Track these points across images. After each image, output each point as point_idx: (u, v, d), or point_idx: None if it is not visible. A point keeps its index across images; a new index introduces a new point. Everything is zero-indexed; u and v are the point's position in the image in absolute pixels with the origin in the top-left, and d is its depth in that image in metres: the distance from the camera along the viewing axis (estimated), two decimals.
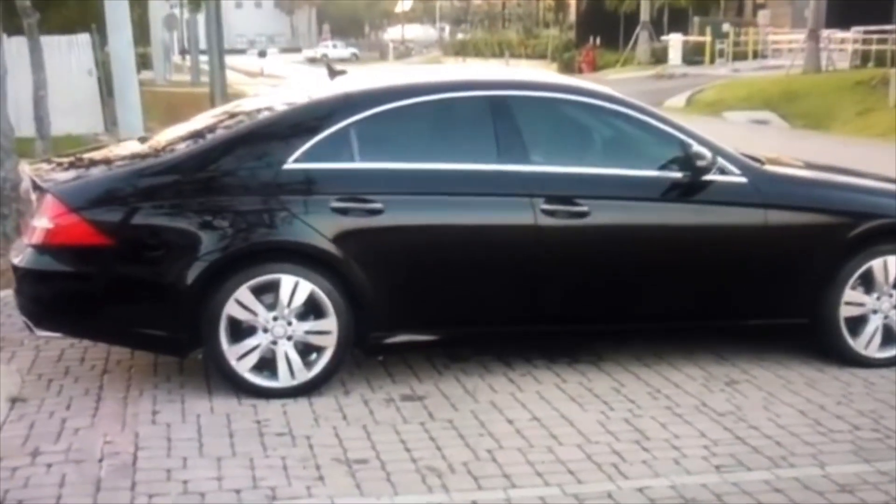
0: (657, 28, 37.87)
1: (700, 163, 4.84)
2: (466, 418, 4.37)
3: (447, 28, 78.42)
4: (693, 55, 34.32)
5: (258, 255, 4.53)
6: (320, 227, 4.52)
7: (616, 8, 39.15)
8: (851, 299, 5.03)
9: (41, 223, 4.52)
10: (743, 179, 4.94)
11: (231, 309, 4.47)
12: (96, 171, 4.85)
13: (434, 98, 4.93)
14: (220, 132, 4.90)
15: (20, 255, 4.66)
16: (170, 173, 4.60)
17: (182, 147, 4.79)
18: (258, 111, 5.11)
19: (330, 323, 4.55)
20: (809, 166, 5.82)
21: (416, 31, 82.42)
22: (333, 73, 5.49)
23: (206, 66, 26.37)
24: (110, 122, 14.89)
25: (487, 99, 4.88)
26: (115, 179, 4.67)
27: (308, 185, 4.57)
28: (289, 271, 4.51)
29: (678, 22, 37.90)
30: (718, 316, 5.09)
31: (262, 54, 64.58)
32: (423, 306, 4.75)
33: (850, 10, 27.54)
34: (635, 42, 37.18)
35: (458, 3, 75.45)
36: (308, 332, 4.56)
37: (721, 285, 4.98)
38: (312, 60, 63.09)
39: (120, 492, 3.64)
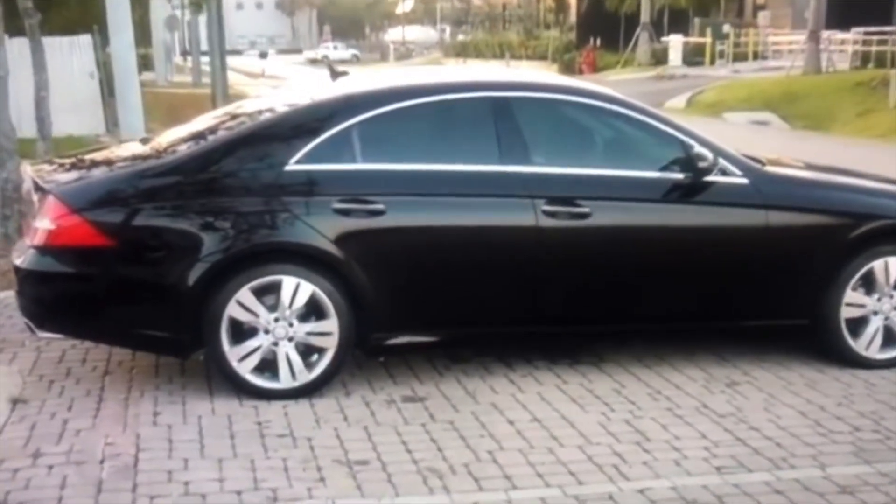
0: (657, 29, 37.88)
1: (701, 164, 4.84)
2: (467, 419, 4.38)
3: (448, 29, 78.43)
4: (693, 56, 34.33)
5: (260, 256, 4.54)
6: (322, 229, 4.52)
7: (616, 9, 39.16)
8: (852, 300, 5.03)
9: (43, 224, 4.52)
10: (744, 180, 4.94)
11: (232, 310, 4.48)
12: (98, 173, 4.86)
13: (435, 99, 4.93)
14: (221, 133, 4.91)
15: (22, 257, 4.66)
16: (171, 174, 4.61)
17: (184, 148, 4.80)
18: (260, 112, 5.11)
19: (331, 324, 4.56)
20: (810, 167, 5.83)
21: (417, 33, 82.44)
22: (335, 75, 5.50)
23: (207, 68, 26.37)
24: (111, 123, 14.90)
25: (489, 100, 4.89)
26: (116, 180, 4.68)
27: (310, 186, 4.58)
28: (290, 272, 4.52)
29: (678, 23, 37.91)
30: (719, 317, 5.09)
31: (264, 55, 64.62)
32: (424, 307, 4.75)
33: (850, 12, 27.56)
34: (635, 43, 37.19)
35: (459, 5, 75.48)
36: (309, 334, 4.56)
37: (722, 286, 4.99)
38: (313, 61, 63.11)
39: (121, 493, 3.65)
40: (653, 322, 5.06)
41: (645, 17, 36.89)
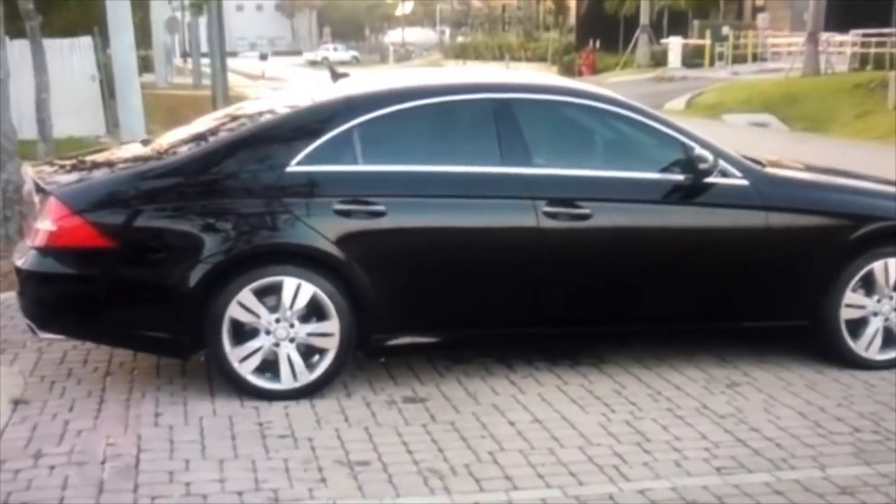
0: (657, 31, 37.93)
1: (702, 165, 4.85)
2: (468, 420, 4.39)
3: (447, 31, 78.49)
4: (692, 58, 34.35)
5: (261, 257, 4.54)
6: (323, 230, 4.53)
7: (616, 11, 39.21)
8: (852, 301, 5.04)
9: (44, 225, 4.53)
10: (744, 182, 4.95)
11: (234, 311, 4.49)
12: (99, 174, 4.86)
13: (436, 101, 4.94)
14: (223, 135, 4.92)
15: (23, 258, 4.67)
16: (172, 176, 4.61)
17: (185, 150, 4.80)
18: (261, 114, 5.13)
19: (332, 325, 4.57)
20: (810, 169, 5.84)
21: (417, 35, 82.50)
22: (336, 76, 5.51)
23: (207, 69, 26.39)
24: (112, 124, 14.90)
25: (490, 102, 4.90)
26: (117, 182, 4.69)
27: (311, 187, 4.58)
28: (291, 273, 4.53)
29: (678, 25, 37.94)
30: (719, 318, 5.10)
31: (264, 57, 64.63)
32: (425, 308, 4.76)
33: (848, 13, 27.59)
34: (635, 45, 37.21)
35: (459, 7, 75.55)
36: (310, 335, 4.57)
37: (722, 287, 5.00)
38: (313, 63, 63.15)
39: (122, 494, 3.65)
40: (653, 323, 5.07)
41: (644, 19, 36.91)
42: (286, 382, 4.57)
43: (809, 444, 4.19)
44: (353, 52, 73.24)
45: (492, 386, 4.81)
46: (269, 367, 4.57)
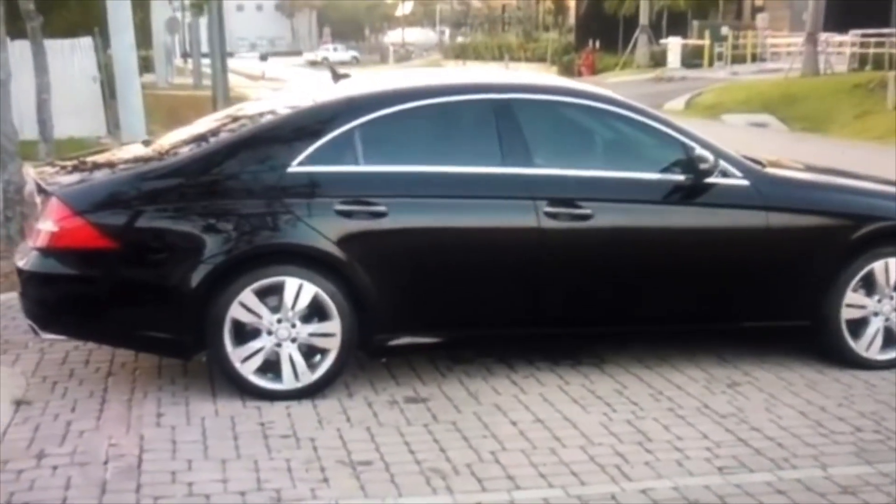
0: (656, 31, 37.94)
1: (702, 165, 4.86)
2: (470, 420, 4.39)
3: (447, 31, 78.51)
4: (692, 58, 34.37)
5: (262, 257, 4.55)
6: (324, 230, 4.54)
7: (615, 11, 39.22)
8: (852, 301, 5.05)
9: (46, 226, 4.54)
10: (745, 182, 4.96)
11: (235, 311, 4.49)
12: (100, 175, 4.87)
13: (437, 101, 4.94)
14: (224, 135, 4.92)
15: (25, 258, 4.67)
16: (174, 176, 4.62)
17: (186, 150, 4.81)
18: (262, 114, 5.13)
19: (334, 325, 4.57)
20: (810, 169, 5.85)
21: (417, 35, 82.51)
22: (337, 77, 5.51)
23: (207, 70, 26.39)
24: (112, 125, 14.89)
25: (491, 102, 4.90)
26: (119, 183, 4.69)
27: (312, 188, 4.59)
28: (293, 274, 4.53)
29: (677, 25, 37.95)
30: (720, 318, 5.10)
31: (264, 57, 64.63)
32: (426, 309, 4.77)
33: (847, 14, 27.60)
34: (634, 45, 37.23)
35: (458, 7, 75.57)
36: (312, 335, 4.58)
37: (723, 288, 5.00)
38: (313, 63, 63.13)
39: (125, 494, 3.66)
40: (654, 323, 5.07)
41: (644, 19, 36.94)
42: (288, 383, 4.58)
43: (811, 443, 4.19)
44: (353, 53, 73.22)
45: (493, 386, 4.82)
46: (270, 367, 4.57)
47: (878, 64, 25.05)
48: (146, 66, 27.67)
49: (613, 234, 4.85)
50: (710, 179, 4.89)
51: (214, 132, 5.03)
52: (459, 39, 67.78)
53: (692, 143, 4.94)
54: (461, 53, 55.10)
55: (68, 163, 5.27)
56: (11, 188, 7.42)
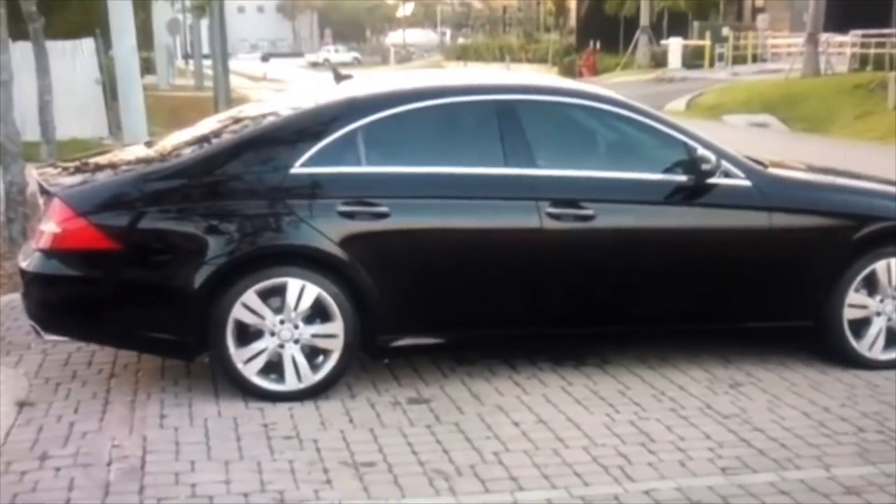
0: (657, 32, 37.94)
1: (704, 166, 4.86)
2: (472, 421, 4.39)
3: (448, 32, 78.53)
4: (693, 59, 34.37)
5: (265, 258, 4.55)
6: (327, 231, 4.54)
7: (616, 12, 39.23)
8: (855, 302, 5.05)
9: (49, 227, 4.54)
10: (747, 182, 4.96)
11: (238, 313, 4.49)
12: (103, 176, 4.87)
13: (439, 102, 4.94)
14: (226, 137, 4.93)
15: (28, 259, 4.68)
16: (177, 177, 4.62)
17: (189, 152, 4.81)
18: (264, 116, 5.13)
19: (336, 326, 4.57)
20: (812, 169, 5.85)
21: (418, 36, 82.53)
22: (339, 78, 5.51)
23: (209, 71, 26.40)
24: (114, 126, 14.92)
25: (493, 103, 4.90)
26: (122, 184, 4.69)
27: (315, 189, 4.59)
28: (295, 275, 4.53)
29: (678, 26, 37.95)
30: (722, 318, 5.10)
31: (266, 59, 64.64)
32: (428, 309, 4.77)
33: (848, 14, 27.59)
34: (635, 46, 37.23)
35: (460, 8, 75.59)
36: (315, 336, 4.58)
37: (725, 288, 5.00)
38: (314, 65, 63.16)
39: (128, 495, 3.66)
40: (656, 323, 5.07)
41: (644, 20, 36.93)
42: (291, 384, 4.58)
43: (814, 443, 4.19)
44: (355, 54, 73.24)
45: (496, 387, 4.82)
46: (273, 368, 4.57)
47: (879, 64, 25.03)
48: (147, 67, 27.68)
49: (616, 234, 4.85)
50: (713, 180, 4.89)
51: (217, 133, 5.03)
52: (460, 40, 67.77)
53: (694, 144, 4.94)
54: (462, 54, 55.09)
55: (71, 164, 5.27)
56: (14, 189, 7.42)
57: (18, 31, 9.40)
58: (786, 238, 4.98)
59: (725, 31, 35.35)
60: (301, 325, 4.56)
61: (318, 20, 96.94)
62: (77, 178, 4.88)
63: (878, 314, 5.09)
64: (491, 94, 5.02)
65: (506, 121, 4.83)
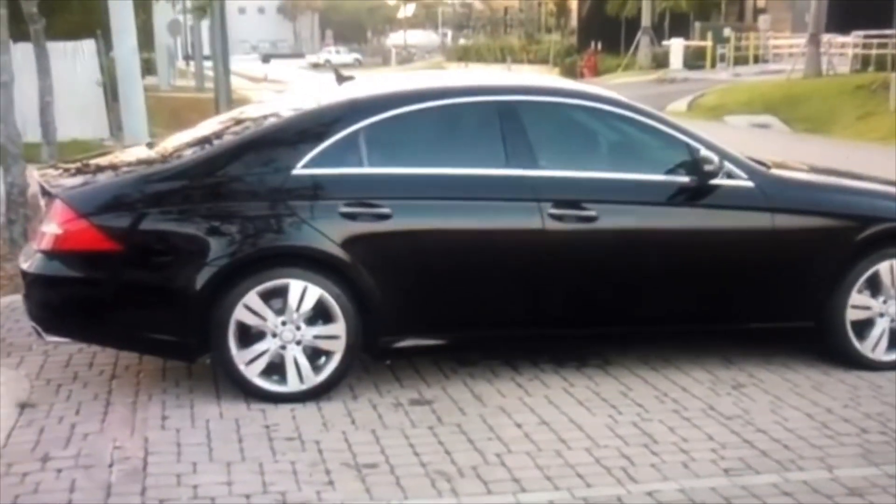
0: (658, 33, 37.91)
1: (707, 167, 4.85)
2: (475, 422, 4.38)
3: (449, 33, 78.52)
4: (694, 60, 34.35)
5: (267, 260, 4.55)
6: (329, 232, 4.53)
7: (617, 13, 39.20)
8: (858, 303, 5.04)
9: (50, 228, 4.54)
10: (750, 183, 4.95)
11: (240, 314, 4.49)
12: (105, 177, 4.87)
13: (441, 103, 4.94)
14: (228, 138, 4.92)
15: (29, 261, 4.67)
16: (178, 179, 4.62)
17: (190, 153, 4.81)
18: (266, 117, 5.12)
19: (338, 327, 4.57)
20: (815, 170, 5.84)
21: (419, 37, 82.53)
22: (341, 79, 5.51)
23: (209, 72, 26.40)
24: (115, 127, 14.92)
25: (495, 104, 4.90)
26: (123, 185, 4.69)
27: (317, 190, 4.59)
28: (297, 276, 4.53)
29: (679, 27, 37.95)
30: (725, 319, 5.10)
31: (266, 60, 64.62)
32: (430, 311, 4.76)
33: (850, 15, 27.57)
34: (636, 47, 37.22)
35: (461, 9, 75.60)
36: (317, 337, 4.57)
37: (728, 289, 4.99)
38: (315, 66, 63.17)
39: (130, 497, 3.66)
40: (659, 324, 5.06)
41: (646, 20, 36.92)
42: (292, 385, 4.57)
43: (817, 445, 4.18)
44: (356, 55, 73.25)
45: (498, 388, 4.81)
46: (275, 369, 4.57)
47: (881, 65, 25.01)
48: (148, 68, 27.68)
49: (618, 235, 4.84)
50: (715, 181, 4.89)
51: (218, 135, 5.03)
52: (462, 41, 67.75)
53: (697, 145, 4.94)
54: (463, 55, 55.07)
55: (72, 165, 5.27)
56: (15, 190, 7.41)
57: (19, 32, 9.40)
58: (789, 239, 4.97)
59: (727, 31, 35.33)
60: (303, 326, 4.55)
61: (319, 21, 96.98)
62: (78, 180, 4.87)
63: (881, 315, 5.08)
64: (493, 95, 5.01)
65: (508, 122, 4.83)
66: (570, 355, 5.19)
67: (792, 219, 4.98)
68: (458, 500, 3.67)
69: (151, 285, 4.57)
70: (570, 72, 36.91)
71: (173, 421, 4.38)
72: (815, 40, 25.58)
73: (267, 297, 4.51)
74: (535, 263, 4.75)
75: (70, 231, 4.47)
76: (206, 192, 4.57)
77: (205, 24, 29.11)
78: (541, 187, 4.75)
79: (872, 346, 5.08)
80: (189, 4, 35.50)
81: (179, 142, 5.07)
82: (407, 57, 71.25)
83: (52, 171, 5.18)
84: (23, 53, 9.81)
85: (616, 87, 22.68)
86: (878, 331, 5.08)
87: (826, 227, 5.06)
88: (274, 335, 4.53)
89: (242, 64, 53.80)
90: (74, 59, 15.21)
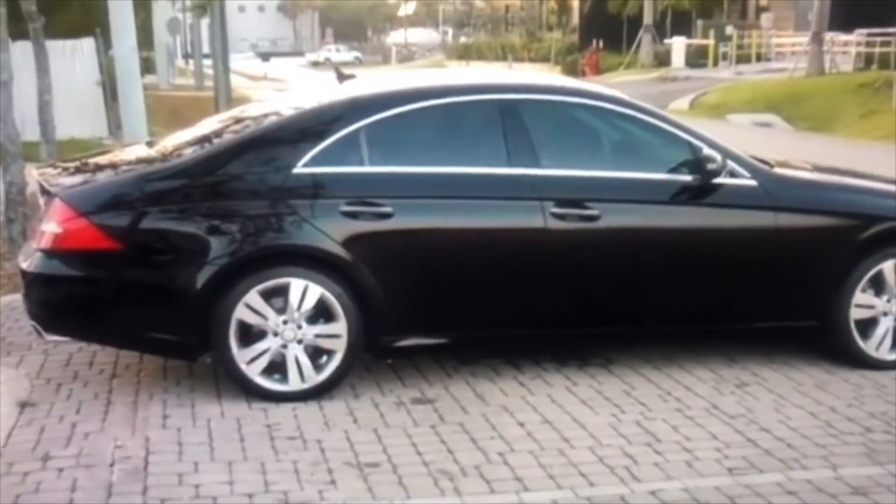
0: (660, 31, 37.89)
1: (710, 166, 4.83)
2: (477, 421, 4.37)
3: (450, 31, 78.48)
4: (696, 58, 34.32)
5: (268, 258, 4.53)
6: (330, 231, 4.51)
7: (619, 11, 39.17)
8: (862, 302, 5.02)
9: (50, 227, 4.52)
10: (753, 182, 4.93)
11: (241, 313, 4.47)
12: (104, 176, 4.85)
13: (443, 102, 4.92)
14: (228, 136, 4.90)
15: (29, 260, 4.66)
16: (178, 177, 4.60)
17: (190, 151, 4.79)
18: (266, 115, 5.10)
19: (340, 326, 4.55)
20: (818, 169, 5.82)
21: (419, 35, 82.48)
22: (342, 77, 5.49)
23: (209, 71, 26.38)
24: (114, 126, 14.90)
25: (497, 103, 4.88)
26: (123, 184, 4.67)
27: (317, 189, 4.57)
28: (298, 275, 4.51)
29: (681, 25, 37.92)
30: (728, 318, 5.08)
31: (266, 58, 64.62)
32: (432, 310, 4.74)
33: (853, 13, 27.54)
34: (638, 45, 37.19)
35: (461, 7, 75.56)
36: (318, 336, 4.55)
37: (731, 288, 4.97)
38: (315, 64, 63.13)
39: (132, 496, 3.64)
40: (661, 324, 5.04)
41: (648, 19, 36.89)
42: (294, 384, 4.56)
43: (820, 444, 4.17)
44: (356, 53, 73.19)
45: (500, 387, 4.79)
46: (276, 368, 4.55)
47: (884, 63, 24.98)
48: (148, 67, 27.63)
49: (621, 234, 4.82)
50: (718, 180, 4.87)
51: (219, 133, 5.01)
52: (462, 40, 67.71)
53: (700, 144, 4.92)
54: (464, 54, 55.04)
55: (72, 164, 5.25)
56: (14, 189, 7.40)
57: (18, 30, 9.37)
58: (792, 238, 4.95)
59: (729, 29, 35.31)
60: (304, 325, 4.53)
61: (319, 19, 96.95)
62: (78, 179, 4.86)
63: (885, 314, 5.06)
64: (494, 93, 4.99)
65: (509, 120, 4.81)
66: (572, 354, 5.17)
67: (795, 218, 4.96)
68: (461, 500, 3.65)
69: (152, 284, 4.56)
70: (571, 70, 36.88)
71: (174, 420, 4.36)
72: (817, 38, 25.55)
73: (268, 295, 4.49)
74: (538, 262, 4.73)
75: (70, 230, 4.45)
76: (206, 191, 4.55)
77: (204, 23, 29.06)
78: (543, 186, 4.73)
79: (876, 345, 5.06)
80: (188, 3, 35.45)
81: (179, 140, 5.05)
82: (407, 55, 71.22)
83: (51, 170, 5.16)
84: (22, 52, 9.79)
85: (618, 85, 22.65)
86: (881, 329, 5.06)
87: (829, 226, 5.04)
88: (275, 334, 4.52)
89: (241, 62, 53.79)
90: (73, 58, 15.19)
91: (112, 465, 3.89)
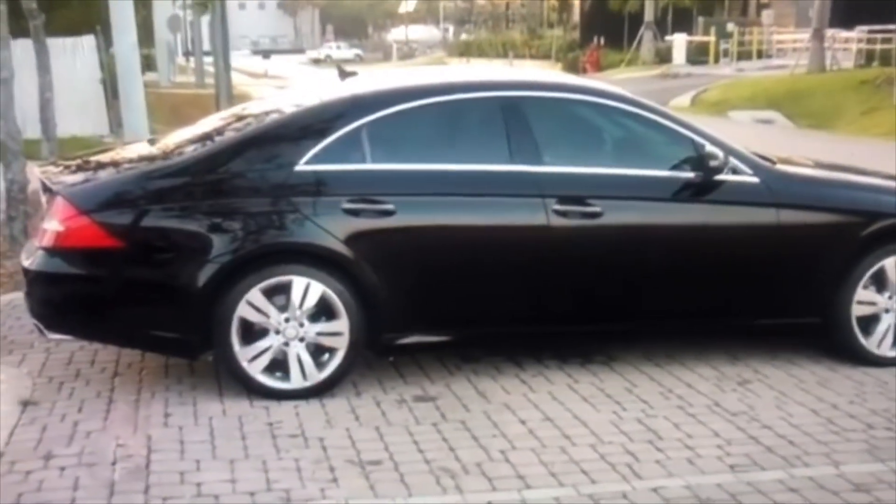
0: (661, 28, 37.86)
1: (712, 163, 4.83)
2: (479, 419, 4.37)
3: (451, 28, 78.36)
4: (697, 55, 34.31)
5: (269, 256, 4.53)
6: (332, 229, 4.51)
7: (620, 8, 39.13)
8: (863, 298, 5.01)
9: (51, 225, 4.52)
10: (755, 179, 4.93)
11: (243, 311, 4.47)
12: (106, 174, 4.85)
13: (445, 99, 4.91)
14: (230, 134, 4.90)
15: (30, 258, 4.66)
16: (180, 175, 4.60)
17: (192, 149, 4.78)
18: (268, 113, 5.10)
19: (342, 324, 4.55)
20: (820, 166, 5.81)
21: (420, 32, 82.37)
22: (344, 75, 5.48)
23: (210, 68, 26.36)
24: (115, 123, 14.90)
25: (499, 100, 4.87)
26: (125, 182, 4.67)
27: (319, 186, 4.56)
28: (300, 273, 4.51)
29: (682, 22, 37.87)
30: (730, 315, 5.07)
31: (267, 55, 64.55)
32: (434, 307, 4.74)
33: (854, 10, 27.52)
34: (639, 42, 37.17)
35: (462, 4, 75.42)
36: (320, 334, 4.55)
37: (733, 285, 4.96)
38: (316, 61, 63.11)
39: (134, 495, 3.64)
40: (664, 321, 5.04)
41: (648, 15, 36.87)
42: (296, 382, 4.56)
43: (822, 441, 4.17)
44: (357, 50, 73.18)
45: (502, 384, 4.79)
46: (278, 366, 4.55)
47: (885, 60, 24.97)
48: (148, 64, 27.59)
49: (623, 231, 4.82)
50: (720, 176, 4.86)
51: (220, 131, 5.00)
52: (463, 36, 67.58)
53: (702, 140, 4.91)
54: (465, 51, 54.96)
55: (73, 162, 5.25)
56: (15, 187, 7.40)
57: (19, 28, 9.37)
58: (794, 234, 4.94)
59: (730, 26, 35.28)
60: (306, 322, 4.53)
61: (320, 16, 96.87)
62: (80, 176, 4.85)
63: (887, 311, 5.06)
64: (496, 90, 4.99)
65: (511, 117, 4.80)
66: (574, 351, 5.17)
67: (797, 214, 4.95)
68: (463, 497, 3.65)
69: (154, 282, 4.56)
70: (572, 67, 36.82)
71: (176, 418, 4.36)
72: (818, 35, 25.53)
73: (270, 293, 4.49)
74: (540, 260, 4.73)
75: (71, 228, 4.45)
76: (208, 189, 4.55)
77: (205, 20, 28.98)
78: (545, 183, 4.73)
79: (878, 342, 5.06)
80: (189, 0, 35.41)
81: (181, 138, 5.05)
82: (408, 52, 71.13)
83: (52, 168, 5.17)
84: (22, 50, 9.78)
85: (619, 82, 22.58)
86: (883, 326, 5.06)
87: (831, 223, 5.04)
88: (277, 332, 4.52)
89: (242, 60, 53.78)
90: (74, 56, 15.18)
91: (114, 463, 3.90)
